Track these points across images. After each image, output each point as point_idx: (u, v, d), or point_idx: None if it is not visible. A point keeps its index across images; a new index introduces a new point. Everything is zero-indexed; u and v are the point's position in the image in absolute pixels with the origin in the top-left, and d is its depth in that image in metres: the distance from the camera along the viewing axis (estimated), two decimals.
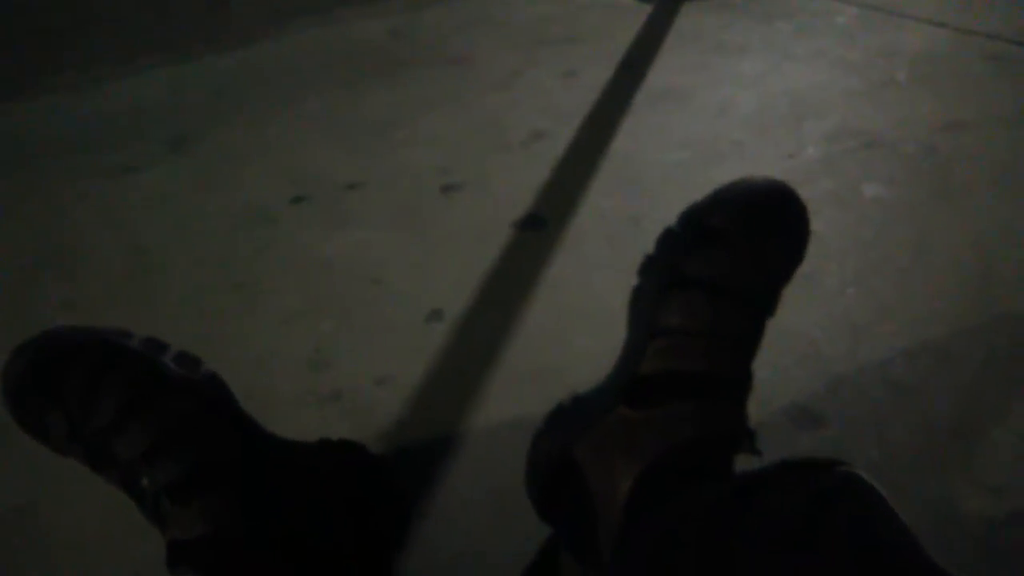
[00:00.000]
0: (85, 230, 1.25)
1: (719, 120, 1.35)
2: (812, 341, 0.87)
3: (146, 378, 0.59)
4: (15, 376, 0.58)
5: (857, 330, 0.88)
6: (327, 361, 0.92)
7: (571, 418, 0.68)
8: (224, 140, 1.49)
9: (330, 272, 1.08)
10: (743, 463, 0.60)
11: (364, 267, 1.08)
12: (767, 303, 0.64)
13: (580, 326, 0.93)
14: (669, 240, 0.65)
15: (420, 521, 0.72)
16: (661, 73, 1.56)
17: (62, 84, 1.89)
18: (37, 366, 0.58)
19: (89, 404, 0.57)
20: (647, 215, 1.12)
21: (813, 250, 0.91)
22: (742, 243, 0.62)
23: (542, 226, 1.13)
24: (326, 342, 0.95)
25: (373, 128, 1.47)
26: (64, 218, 1.30)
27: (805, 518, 0.49)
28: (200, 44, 2.14)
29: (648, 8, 1.90)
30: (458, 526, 0.71)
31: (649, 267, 0.66)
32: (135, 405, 0.58)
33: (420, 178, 1.28)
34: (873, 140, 1.24)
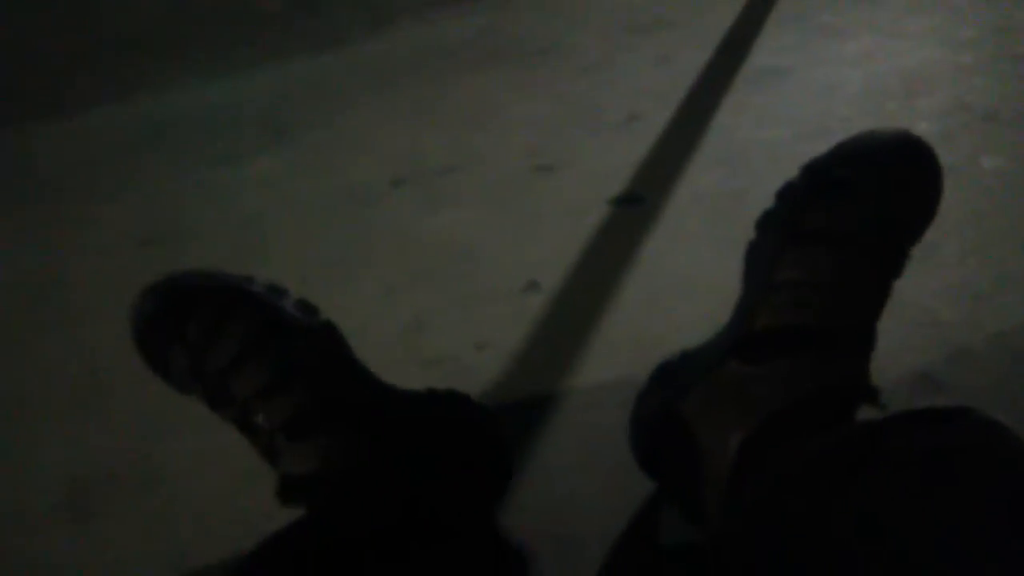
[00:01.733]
0: (192, 211, 1.30)
1: (824, 98, 1.31)
2: (931, 310, 0.82)
3: (266, 321, 0.61)
4: (144, 314, 0.60)
5: (978, 299, 0.83)
6: (428, 328, 0.93)
7: (678, 375, 0.66)
8: (324, 130, 1.53)
9: (428, 248, 1.09)
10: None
11: (461, 243, 1.09)
12: (895, 262, 0.60)
13: (681, 297, 0.91)
14: (790, 193, 0.62)
15: (522, 476, 0.71)
16: (760, 54, 1.52)
17: (164, 82, 1.99)
18: (165, 305, 0.60)
19: (211, 343, 0.59)
20: (750, 191, 1.09)
21: (933, 222, 0.87)
22: (871, 196, 0.58)
23: (640, 202, 1.12)
24: (426, 311, 0.96)
25: (467, 115, 1.48)
26: (171, 201, 1.35)
27: (935, 465, 0.46)
28: (295, 47, 2.22)
29: None
30: (558, 482, 0.71)
31: (767, 221, 0.64)
32: (254, 345, 0.59)
33: (514, 160, 1.29)
34: (990, 114, 1.17)
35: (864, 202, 0.58)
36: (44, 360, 1.00)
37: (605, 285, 0.95)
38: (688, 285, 0.93)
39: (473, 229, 1.12)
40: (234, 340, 0.59)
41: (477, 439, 0.66)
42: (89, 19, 3.13)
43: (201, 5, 3.05)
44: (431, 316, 0.95)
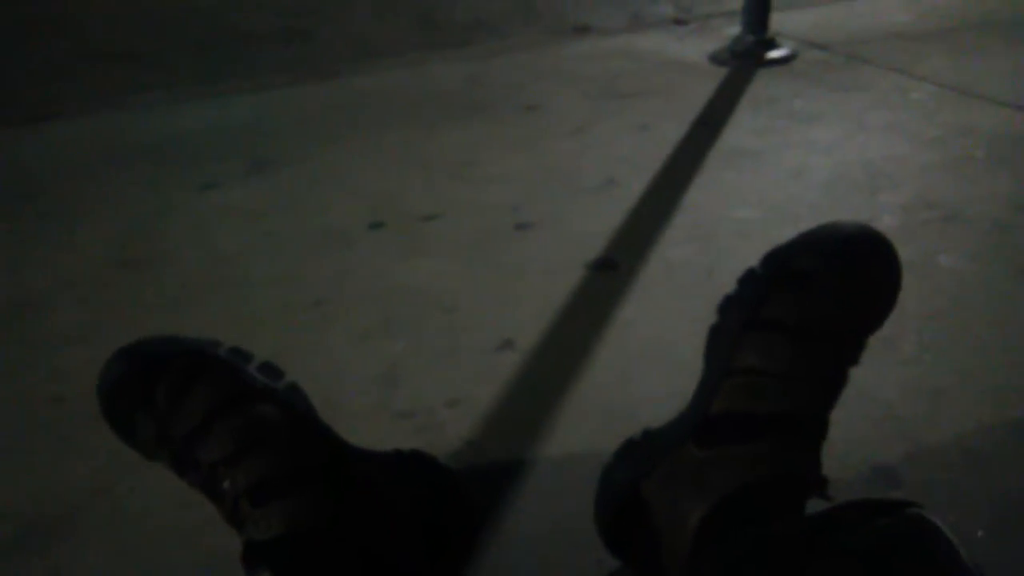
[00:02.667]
0: (167, 239, 1.30)
1: (793, 183, 1.36)
2: (890, 405, 0.86)
3: (231, 386, 0.62)
4: (110, 380, 0.62)
5: (935, 396, 0.87)
6: (400, 380, 0.93)
7: (641, 453, 0.68)
8: (306, 164, 1.54)
9: (405, 297, 1.10)
10: (813, 510, 0.60)
11: (438, 294, 1.10)
12: (851, 350, 0.63)
13: (650, 368, 0.94)
14: (751, 280, 0.65)
15: (487, 540, 0.72)
16: (734, 133, 1.58)
17: (146, 102, 1.98)
18: (131, 371, 0.62)
19: (177, 408, 0.61)
20: (719, 267, 1.13)
21: (892, 315, 0.91)
22: (830, 287, 0.61)
23: (614, 268, 1.15)
24: (399, 362, 0.97)
25: (450, 164, 1.51)
26: (150, 223, 1.35)
27: (874, 559, 0.49)
28: (283, 75, 2.23)
29: (722, 71, 1.93)
30: (522, 548, 0.71)
31: (729, 306, 0.66)
32: (220, 411, 0.61)
33: (495, 215, 1.31)
34: (950, 214, 1.23)
35: (823, 294, 0.61)
36: (12, 383, 0.98)
37: (578, 350, 0.98)
38: (657, 356, 0.96)
39: (450, 281, 1.14)
40: (199, 406, 0.60)
41: (442, 501, 0.67)
42: (76, 30, 3.11)
43: (192, 24, 3.05)
44: (405, 367, 0.96)
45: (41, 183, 1.53)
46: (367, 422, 0.87)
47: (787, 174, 1.40)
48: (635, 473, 0.66)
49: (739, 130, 1.59)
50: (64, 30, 3.11)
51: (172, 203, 1.41)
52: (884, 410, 0.85)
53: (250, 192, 1.44)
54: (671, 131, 1.60)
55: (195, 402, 0.61)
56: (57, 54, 2.77)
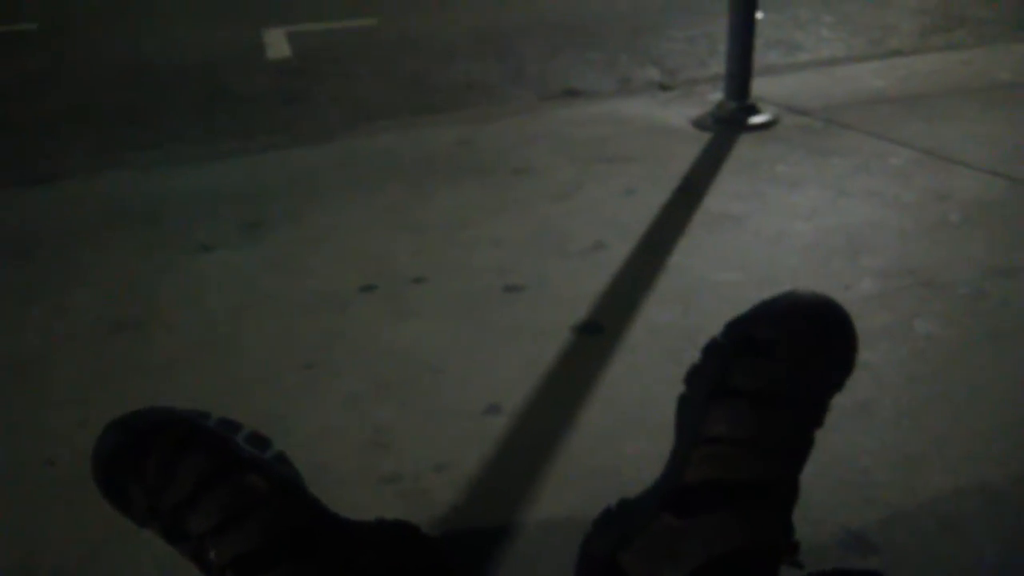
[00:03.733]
0: (160, 301, 1.32)
1: (775, 247, 1.40)
2: (866, 470, 0.88)
3: (219, 457, 0.64)
4: (104, 453, 0.64)
5: (910, 461, 0.89)
6: (388, 444, 0.95)
7: (618, 523, 0.70)
8: (298, 227, 1.58)
9: (394, 359, 1.12)
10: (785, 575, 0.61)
11: (427, 357, 1.12)
12: (814, 413, 0.66)
13: (633, 432, 0.95)
14: (715, 350, 0.68)
15: None
16: (717, 198, 1.62)
17: (143, 161, 2.02)
18: (123, 444, 0.64)
19: (167, 481, 0.63)
20: (702, 331, 1.14)
21: (868, 381, 0.94)
22: (788, 354, 0.65)
23: (600, 332, 1.17)
24: (387, 426, 0.98)
25: (440, 227, 1.54)
26: (143, 285, 1.37)
27: None
28: (279, 136, 2.28)
29: (706, 136, 1.99)
30: None
31: (695, 376, 0.69)
32: (207, 483, 0.63)
33: (483, 277, 1.34)
34: (927, 279, 1.27)
35: (783, 361, 0.65)
36: (4, 445, 0.99)
37: (563, 413, 0.99)
38: (640, 421, 0.97)
39: (439, 343, 1.16)
40: (188, 479, 0.63)
41: (424, 572, 0.69)
42: (71, 87, 3.17)
43: (190, 84, 3.12)
44: (392, 431, 0.97)
45: (37, 243, 1.56)
46: (353, 488, 0.88)
47: (769, 239, 1.43)
48: (613, 545, 0.68)
49: (722, 195, 1.63)
50: (62, 88, 3.17)
51: (167, 265, 1.44)
52: (860, 475, 0.87)
53: (244, 254, 1.47)
54: (656, 195, 1.64)
55: (183, 474, 0.63)
56: (56, 112, 2.83)
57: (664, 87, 2.42)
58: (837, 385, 0.67)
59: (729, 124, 2.02)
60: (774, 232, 1.45)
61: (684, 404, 0.69)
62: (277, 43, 3.86)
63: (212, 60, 3.56)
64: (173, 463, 0.63)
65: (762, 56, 3.09)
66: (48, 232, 1.61)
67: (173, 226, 1.60)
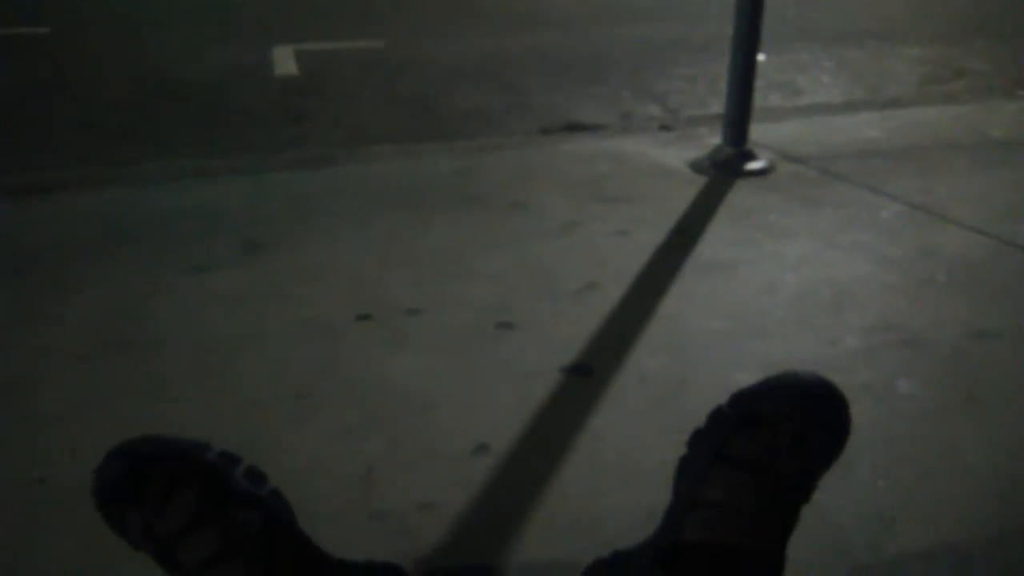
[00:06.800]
0: (155, 322, 1.34)
1: (764, 298, 1.43)
2: (841, 528, 0.90)
3: (215, 492, 0.67)
4: (105, 478, 0.67)
5: (884, 522, 0.92)
6: (377, 480, 0.97)
7: (609, 575, 0.72)
8: (296, 251, 1.60)
9: (386, 393, 1.14)
10: None
11: (419, 391, 1.14)
12: (804, 489, 0.70)
13: (620, 479, 0.98)
14: (719, 418, 0.72)
15: None
16: (710, 244, 1.65)
17: (144, 178, 2.04)
18: (124, 470, 0.66)
19: (163, 509, 0.65)
20: (690, 379, 1.18)
21: (849, 439, 0.95)
22: (787, 432, 0.69)
23: (589, 374, 1.19)
24: (377, 462, 1.00)
25: (436, 259, 1.57)
26: (139, 304, 1.39)
27: None
28: (280, 157, 2.31)
29: (702, 180, 2.02)
30: None
31: (697, 440, 0.73)
32: (202, 516, 0.65)
33: (477, 312, 1.36)
34: (909, 337, 1.30)
35: (781, 438, 0.68)
36: None
37: (550, 457, 1.01)
38: (627, 468, 1.00)
39: (431, 378, 1.18)
40: (183, 510, 0.65)
41: None
42: (77, 96, 3.19)
43: (193, 100, 3.15)
44: (382, 467, 0.99)
45: (35, 258, 1.58)
46: (341, 524, 0.90)
47: (758, 288, 1.46)
48: None
49: (715, 241, 1.67)
50: (67, 97, 3.19)
51: (163, 285, 1.46)
52: (836, 534, 0.89)
53: (241, 277, 1.49)
54: (651, 238, 1.67)
55: (179, 505, 0.65)
56: (60, 122, 2.85)
57: (664, 127, 2.47)
58: (827, 466, 0.70)
59: (726, 169, 2.06)
60: (764, 282, 1.49)
61: (685, 465, 0.72)
62: (285, 60, 3.90)
63: (220, 74, 3.60)
64: (169, 494, 0.65)
65: (763, 98, 3.14)
66: (45, 247, 1.63)
67: (170, 245, 1.62)
